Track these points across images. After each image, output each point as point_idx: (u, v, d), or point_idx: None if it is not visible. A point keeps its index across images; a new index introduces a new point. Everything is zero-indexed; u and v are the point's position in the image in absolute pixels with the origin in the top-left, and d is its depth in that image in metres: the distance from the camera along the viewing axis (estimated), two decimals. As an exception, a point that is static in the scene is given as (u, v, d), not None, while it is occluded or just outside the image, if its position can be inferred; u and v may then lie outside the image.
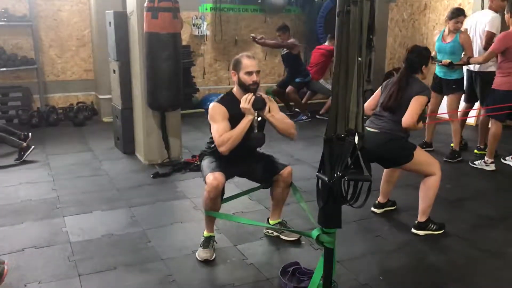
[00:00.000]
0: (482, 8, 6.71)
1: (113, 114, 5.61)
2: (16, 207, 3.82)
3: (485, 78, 4.99)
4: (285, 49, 7.07)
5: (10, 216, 3.64)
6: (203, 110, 7.50)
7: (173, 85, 4.62)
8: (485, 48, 4.92)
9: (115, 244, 3.22)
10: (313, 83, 7.20)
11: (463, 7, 7.43)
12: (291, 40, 6.93)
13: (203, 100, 7.78)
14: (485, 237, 3.39)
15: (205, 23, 7.82)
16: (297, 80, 7.13)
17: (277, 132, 3.06)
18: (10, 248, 3.11)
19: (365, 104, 3.53)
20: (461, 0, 7.44)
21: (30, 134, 5.35)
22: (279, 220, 3.33)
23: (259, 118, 2.95)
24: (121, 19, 5.02)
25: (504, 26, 4.97)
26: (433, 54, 4.99)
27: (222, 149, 2.89)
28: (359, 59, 1.91)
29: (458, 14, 4.88)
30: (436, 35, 5.23)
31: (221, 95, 3.13)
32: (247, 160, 3.13)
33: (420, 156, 3.33)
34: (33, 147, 5.09)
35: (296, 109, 7.47)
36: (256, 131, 2.96)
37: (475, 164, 4.94)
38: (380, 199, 3.77)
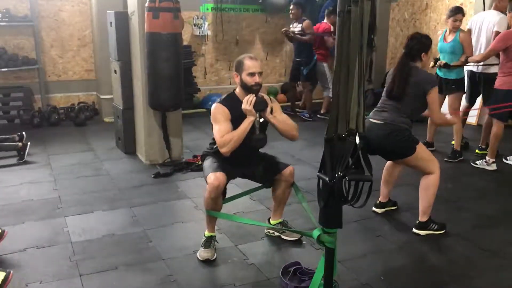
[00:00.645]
0: (484, 7, 6.71)
1: (114, 114, 5.61)
2: (17, 207, 3.83)
3: (489, 79, 4.99)
4: (297, 29, 6.98)
5: (12, 216, 3.64)
6: (204, 110, 7.50)
7: (174, 85, 4.62)
8: None
9: (116, 244, 3.23)
10: (318, 65, 7.06)
11: (464, 7, 7.44)
12: (306, 23, 6.85)
13: (204, 100, 7.78)
14: (486, 237, 3.39)
15: (206, 23, 7.81)
16: (305, 71, 7.07)
17: (279, 133, 3.06)
18: (11, 248, 3.12)
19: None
20: (462, -1, 7.44)
21: (24, 133, 5.35)
22: (280, 220, 3.33)
23: (261, 119, 2.95)
24: (122, 19, 5.02)
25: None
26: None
27: (223, 150, 2.89)
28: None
29: (456, 12, 4.88)
30: (439, 35, 5.24)
31: (224, 96, 3.13)
32: (249, 162, 3.13)
33: (422, 151, 3.33)
34: (29, 143, 5.10)
35: (297, 110, 7.50)
36: (258, 132, 2.96)
37: (476, 164, 4.94)
38: (381, 198, 3.77)
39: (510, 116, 4.85)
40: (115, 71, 5.30)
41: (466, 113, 5.46)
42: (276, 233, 3.32)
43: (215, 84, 8.23)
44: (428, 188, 3.35)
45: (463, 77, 5.08)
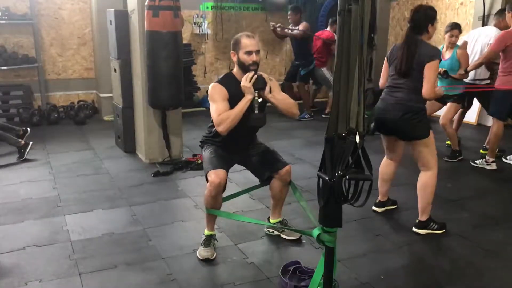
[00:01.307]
0: (484, 6, 6.71)
1: (114, 113, 5.61)
2: (17, 205, 3.82)
3: (483, 92, 5.03)
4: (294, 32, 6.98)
5: (11, 215, 3.64)
6: (204, 108, 7.51)
7: (174, 84, 4.61)
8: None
9: (115, 242, 3.22)
10: (317, 70, 7.09)
11: (464, 6, 7.43)
12: (304, 25, 6.85)
13: (204, 99, 7.77)
14: (486, 236, 3.39)
15: (206, 22, 7.81)
16: (302, 72, 7.10)
17: (280, 112, 3.03)
18: (11, 247, 3.12)
19: (380, 82, 3.56)
20: (462, -1, 7.44)
21: (28, 129, 5.35)
22: (280, 219, 3.33)
23: (260, 99, 2.91)
24: (122, 18, 5.01)
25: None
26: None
27: (220, 129, 2.86)
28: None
29: (452, 27, 4.90)
30: None
31: (221, 76, 3.09)
32: (247, 145, 3.11)
33: (432, 142, 3.34)
34: (31, 143, 5.10)
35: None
36: (256, 111, 2.92)
37: (476, 163, 4.94)
38: (380, 197, 3.77)
39: (510, 116, 4.84)
40: (115, 70, 5.29)
41: (463, 113, 5.45)
42: (276, 232, 3.31)
43: (215, 83, 8.22)
44: (426, 187, 3.35)
45: (463, 93, 5.05)
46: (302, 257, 2.93)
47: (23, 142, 5.04)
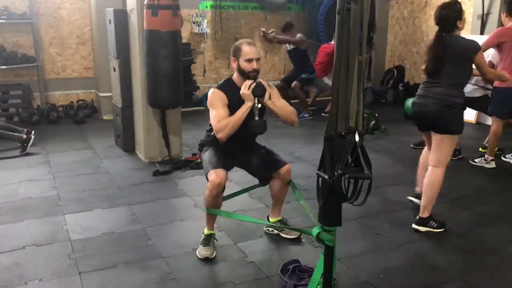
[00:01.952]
0: (483, 5, 6.71)
1: (113, 112, 5.61)
2: (16, 204, 3.83)
3: (477, 101, 5.02)
4: (291, 45, 6.98)
5: (11, 214, 3.64)
6: (203, 108, 7.51)
7: (173, 83, 4.61)
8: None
9: (115, 242, 3.23)
10: (318, 80, 7.17)
11: (463, 5, 7.42)
12: (299, 35, 6.86)
13: (203, 98, 7.78)
14: (486, 234, 3.39)
15: (205, 21, 7.81)
16: (303, 76, 7.10)
17: (279, 119, 3.04)
18: (10, 246, 3.12)
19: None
20: (461, -3, 7.43)
21: (33, 131, 5.38)
22: (279, 218, 3.33)
23: (259, 105, 2.92)
24: (121, 17, 5.01)
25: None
26: None
27: (219, 136, 2.87)
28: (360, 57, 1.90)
29: None
30: None
31: (221, 82, 3.10)
32: (247, 151, 3.11)
33: (454, 142, 3.41)
34: (33, 136, 5.18)
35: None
36: (257, 118, 2.93)
37: (475, 162, 4.94)
38: (419, 189, 3.71)
39: (510, 115, 4.85)
40: (114, 69, 5.29)
41: None
42: (276, 231, 3.32)
43: (214, 82, 8.21)
44: (433, 183, 3.37)
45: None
46: (302, 256, 2.94)
47: (25, 136, 5.13)
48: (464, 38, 3.35)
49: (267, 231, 3.36)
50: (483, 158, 4.91)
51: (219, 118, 2.88)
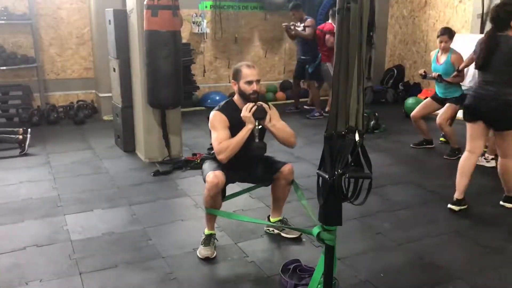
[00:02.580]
0: (483, 4, 6.71)
1: (113, 112, 5.61)
2: (16, 205, 3.83)
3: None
4: (300, 28, 6.95)
5: (11, 215, 3.64)
6: (203, 108, 7.52)
7: (173, 83, 4.61)
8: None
9: (116, 242, 3.23)
10: (322, 65, 7.05)
11: (463, 4, 7.43)
12: (310, 21, 6.85)
13: (203, 98, 7.80)
14: (486, 234, 3.39)
15: (205, 21, 7.81)
16: (310, 69, 7.07)
17: (277, 141, 3.07)
18: (11, 246, 3.12)
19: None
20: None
21: (29, 129, 5.39)
22: (280, 218, 3.33)
23: (260, 127, 2.95)
24: (121, 17, 5.01)
25: None
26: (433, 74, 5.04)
27: (220, 157, 2.90)
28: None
29: (441, 33, 4.94)
30: (431, 56, 5.27)
31: (222, 103, 3.12)
32: (248, 167, 3.13)
33: None
34: (29, 135, 5.21)
35: (305, 106, 7.52)
36: (257, 140, 2.96)
37: (475, 161, 4.94)
38: (457, 195, 3.74)
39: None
40: (114, 69, 5.29)
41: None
42: (276, 231, 3.32)
43: (214, 82, 8.23)
44: (508, 172, 3.70)
45: (462, 94, 4.98)
46: (302, 255, 2.94)
47: (21, 136, 5.13)
48: None
49: (267, 231, 3.36)
50: (483, 157, 4.90)
51: (220, 140, 2.91)
